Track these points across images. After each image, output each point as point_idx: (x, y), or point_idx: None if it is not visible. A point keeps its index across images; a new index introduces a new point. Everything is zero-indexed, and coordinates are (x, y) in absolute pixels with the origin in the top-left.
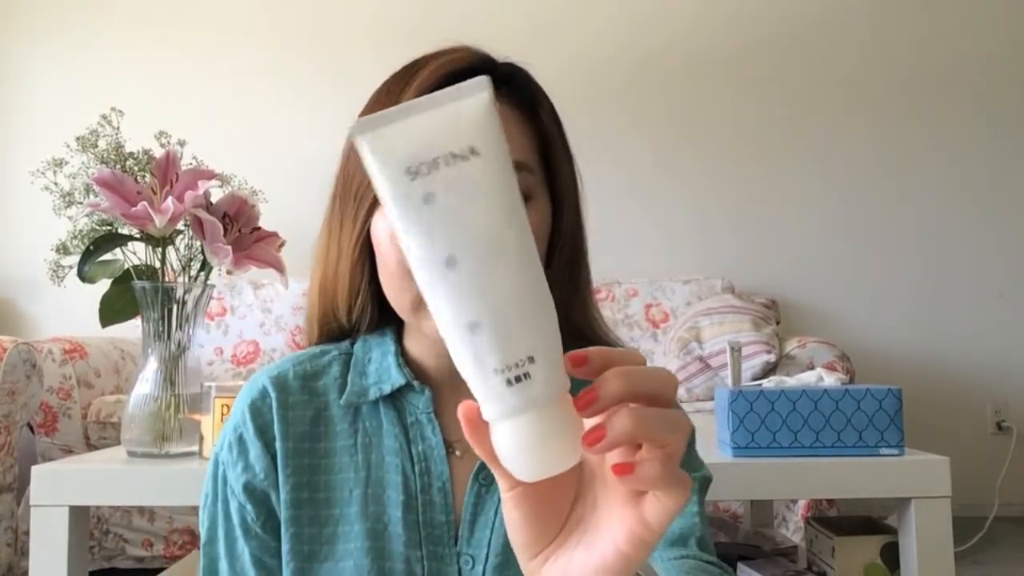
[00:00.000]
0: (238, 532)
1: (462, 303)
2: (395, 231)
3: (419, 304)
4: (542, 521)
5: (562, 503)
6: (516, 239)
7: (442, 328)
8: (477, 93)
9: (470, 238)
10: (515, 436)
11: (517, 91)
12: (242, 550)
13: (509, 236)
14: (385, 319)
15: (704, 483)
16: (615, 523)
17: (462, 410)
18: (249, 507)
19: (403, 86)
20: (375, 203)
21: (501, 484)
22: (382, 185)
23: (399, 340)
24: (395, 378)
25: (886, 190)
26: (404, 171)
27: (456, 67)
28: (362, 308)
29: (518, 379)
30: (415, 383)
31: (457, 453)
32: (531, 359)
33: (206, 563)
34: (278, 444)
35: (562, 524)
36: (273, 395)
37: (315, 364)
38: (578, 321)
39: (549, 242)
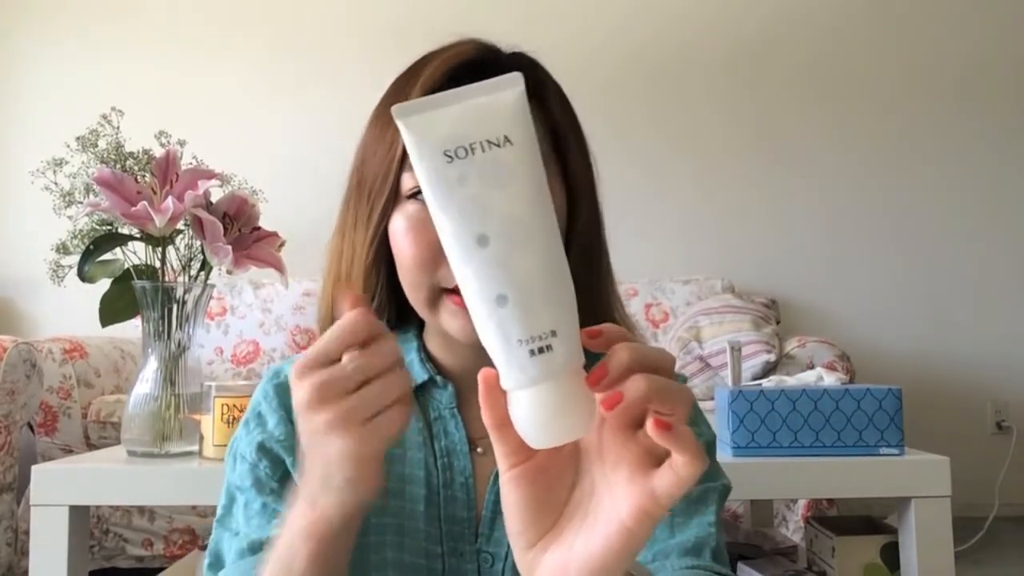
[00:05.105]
0: (252, 493)
1: (491, 278)
2: (430, 210)
3: (435, 299)
4: (539, 504)
5: (559, 487)
6: (543, 222)
7: (470, 301)
8: (512, 87)
9: (501, 219)
10: (533, 404)
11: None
12: (252, 504)
13: (537, 218)
14: (405, 320)
15: (724, 492)
16: (619, 500)
17: (482, 375)
18: (263, 464)
19: (411, 83)
20: (390, 201)
21: (502, 463)
22: (421, 166)
23: (421, 338)
24: (418, 374)
25: (886, 190)
26: (442, 154)
27: (460, 61)
28: (378, 310)
29: (540, 350)
30: (438, 378)
31: (479, 450)
32: (553, 333)
33: (211, 542)
34: None
35: (560, 511)
36: None
37: None
38: (598, 310)
39: (565, 233)
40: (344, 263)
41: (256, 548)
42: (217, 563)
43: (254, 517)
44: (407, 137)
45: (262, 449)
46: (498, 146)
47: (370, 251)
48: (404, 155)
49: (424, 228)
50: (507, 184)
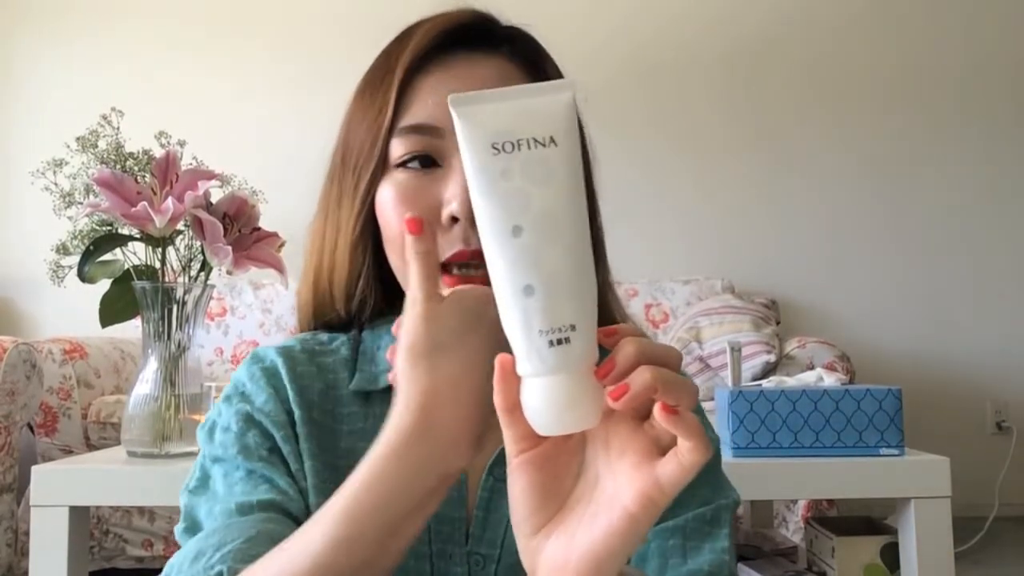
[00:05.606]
0: (238, 460)
1: (521, 268)
2: (471, 196)
3: None
4: (545, 491)
5: (565, 475)
6: (576, 220)
7: (497, 287)
8: (565, 92)
9: (537, 213)
10: (546, 392)
11: (520, 51)
12: (233, 473)
13: (571, 216)
14: (390, 307)
15: (734, 508)
16: (623, 487)
17: (499, 359)
18: (252, 432)
19: (400, 48)
20: (378, 170)
21: (511, 448)
22: (468, 155)
23: None
24: None
25: (886, 190)
26: (489, 146)
27: (448, 27)
28: (363, 293)
29: (560, 342)
30: None
31: None
32: (573, 327)
33: (184, 509)
34: (295, 410)
35: (564, 499)
36: (280, 361)
37: (323, 345)
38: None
39: None
40: (328, 242)
41: (245, 510)
42: (194, 527)
43: (238, 484)
44: (459, 126)
45: (250, 419)
46: (544, 145)
47: (356, 226)
48: (393, 122)
49: (415, 197)
50: (547, 182)
